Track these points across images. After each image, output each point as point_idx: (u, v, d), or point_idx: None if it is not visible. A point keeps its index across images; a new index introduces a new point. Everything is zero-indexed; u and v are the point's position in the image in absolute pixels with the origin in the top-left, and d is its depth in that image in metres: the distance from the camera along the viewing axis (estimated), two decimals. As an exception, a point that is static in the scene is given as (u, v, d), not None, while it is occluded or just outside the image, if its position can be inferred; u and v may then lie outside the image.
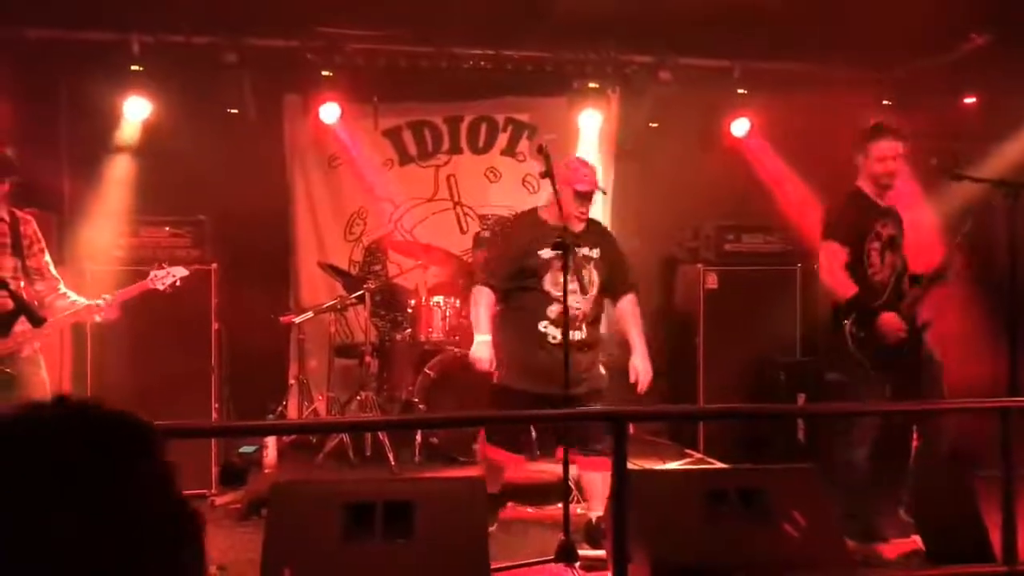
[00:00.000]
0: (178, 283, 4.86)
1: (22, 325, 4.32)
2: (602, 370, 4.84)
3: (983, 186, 4.64)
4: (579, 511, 5.02)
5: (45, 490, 0.86)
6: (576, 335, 4.49)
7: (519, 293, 4.70)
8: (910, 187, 6.54)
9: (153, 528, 0.91)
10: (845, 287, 4.61)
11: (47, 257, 4.55)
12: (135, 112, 6.24)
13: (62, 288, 4.57)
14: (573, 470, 4.48)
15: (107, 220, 6.04)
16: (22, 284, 4.41)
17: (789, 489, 3.69)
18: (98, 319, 4.58)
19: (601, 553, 4.24)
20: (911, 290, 4.69)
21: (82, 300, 4.56)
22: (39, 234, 4.54)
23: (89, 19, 5.93)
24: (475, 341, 4.69)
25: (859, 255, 4.66)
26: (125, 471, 0.92)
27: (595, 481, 4.66)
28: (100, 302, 4.52)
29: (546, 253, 4.53)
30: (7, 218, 4.41)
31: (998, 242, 4.65)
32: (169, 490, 0.96)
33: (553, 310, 4.54)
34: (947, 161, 4.91)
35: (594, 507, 4.73)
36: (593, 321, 4.73)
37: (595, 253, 4.70)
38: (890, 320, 4.57)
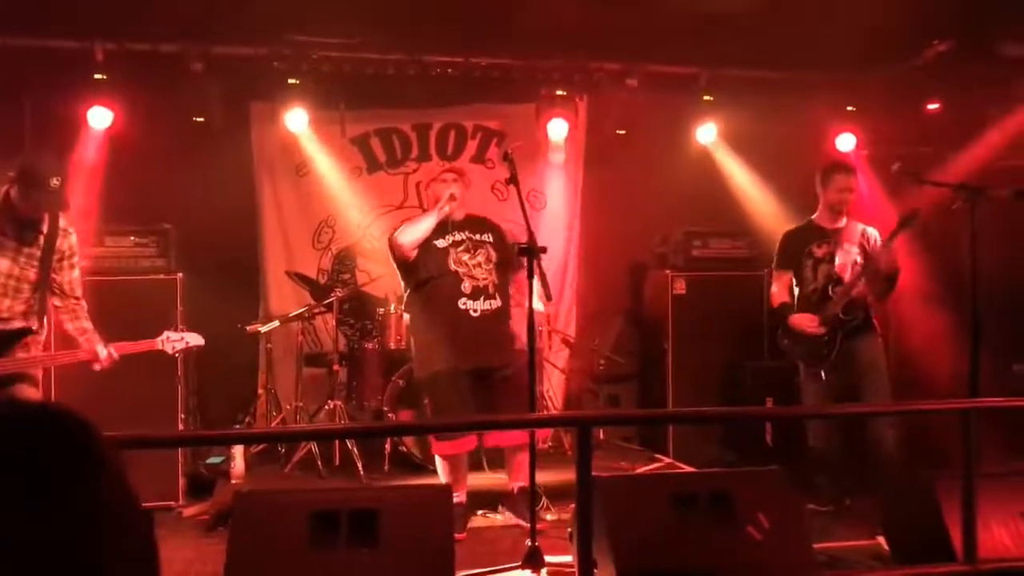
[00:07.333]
0: (191, 349, 4.73)
1: (24, 349, 4.17)
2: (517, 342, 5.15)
3: (944, 190, 4.70)
4: (548, 517, 5.06)
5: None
6: (492, 304, 4.96)
7: (429, 285, 5.01)
8: (873, 191, 6.65)
9: (111, 521, 0.88)
10: (774, 301, 5.64)
11: (75, 274, 4.35)
12: (99, 121, 6.17)
13: (81, 313, 4.35)
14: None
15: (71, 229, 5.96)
16: (37, 296, 4.22)
17: (756, 492, 3.70)
18: (96, 368, 4.27)
19: (568, 559, 4.24)
20: (836, 291, 5.37)
21: (91, 329, 4.34)
22: (75, 249, 4.35)
23: (51, 26, 5.85)
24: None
25: (798, 274, 5.56)
26: (77, 466, 0.89)
27: (523, 458, 4.79)
28: (103, 354, 4.25)
29: (441, 243, 5.00)
30: (45, 231, 4.23)
31: (959, 245, 4.72)
32: (122, 484, 0.93)
33: (466, 286, 4.95)
34: (909, 166, 5.01)
35: (518, 479, 5.04)
36: (502, 291, 5.08)
37: (487, 237, 5.14)
38: (798, 320, 5.44)
